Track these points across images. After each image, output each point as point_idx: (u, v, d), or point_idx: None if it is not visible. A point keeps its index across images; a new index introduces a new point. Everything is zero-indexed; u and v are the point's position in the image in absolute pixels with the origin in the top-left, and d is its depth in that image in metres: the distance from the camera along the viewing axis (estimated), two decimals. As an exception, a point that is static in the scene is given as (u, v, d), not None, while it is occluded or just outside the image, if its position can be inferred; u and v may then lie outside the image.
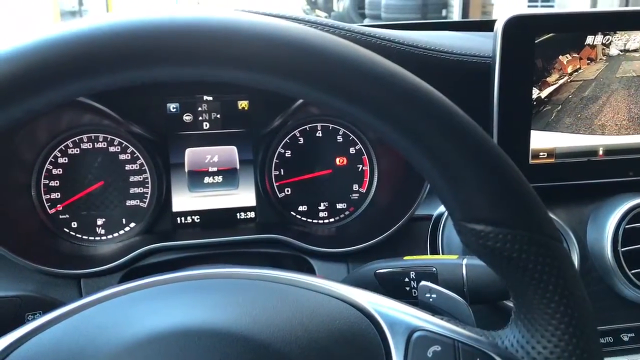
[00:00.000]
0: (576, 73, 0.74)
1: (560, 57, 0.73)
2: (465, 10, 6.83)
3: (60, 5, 7.45)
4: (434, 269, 0.55)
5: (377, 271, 0.57)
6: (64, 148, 0.80)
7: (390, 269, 0.57)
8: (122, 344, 0.38)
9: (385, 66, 0.35)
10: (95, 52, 0.31)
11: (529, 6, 6.04)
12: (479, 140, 0.36)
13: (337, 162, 0.86)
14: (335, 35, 0.36)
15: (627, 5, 4.14)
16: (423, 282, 0.50)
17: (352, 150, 0.86)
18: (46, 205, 0.80)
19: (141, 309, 0.40)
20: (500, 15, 0.72)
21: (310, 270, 0.79)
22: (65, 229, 0.80)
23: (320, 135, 0.86)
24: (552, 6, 5.66)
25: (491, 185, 0.37)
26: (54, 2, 7.06)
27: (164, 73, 0.32)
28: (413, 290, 0.55)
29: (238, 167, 0.83)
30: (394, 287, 0.56)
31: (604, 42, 0.74)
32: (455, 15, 6.86)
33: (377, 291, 0.58)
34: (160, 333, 0.38)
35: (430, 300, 0.49)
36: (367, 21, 7.80)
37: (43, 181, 0.79)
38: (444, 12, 7.32)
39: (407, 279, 0.56)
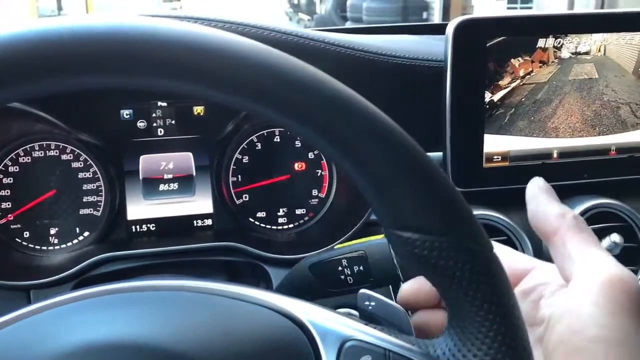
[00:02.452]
0: (528, 76, 0.74)
1: (512, 60, 0.74)
2: (445, 13, 6.88)
3: (39, 10, 7.39)
4: (363, 252, 0.55)
5: (311, 265, 0.57)
6: (14, 157, 0.78)
7: (322, 260, 0.57)
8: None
9: (306, 70, 0.35)
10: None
11: (508, 7, 6.10)
12: (405, 147, 0.36)
13: (296, 167, 0.86)
14: (267, 37, 0.35)
15: (602, 5, 4.19)
16: (362, 290, 0.49)
17: (310, 155, 0.86)
18: (-4, 215, 0.78)
19: (59, 325, 0.39)
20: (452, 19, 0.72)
21: (267, 278, 0.78)
22: (17, 239, 0.79)
23: (278, 140, 0.85)
24: (530, 7, 5.72)
25: (417, 191, 0.36)
26: (32, 6, 7.00)
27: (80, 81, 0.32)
28: (348, 278, 0.55)
29: (194, 173, 0.82)
30: (328, 278, 0.56)
31: (555, 45, 0.74)
32: (436, 18, 6.91)
33: (316, 285, 0.58)
34: (77, 349, 0.37)
35: (370, 308, 0.49)
36: (348, 24, 7.84)
37: (-7, 190, 0.78)
38: (424, 15, 7.37)
39: (340, 268, 0.56)
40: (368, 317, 0.49)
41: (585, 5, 4.17)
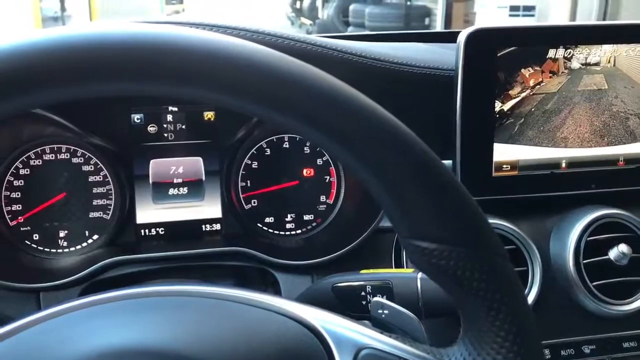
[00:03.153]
0: (538, 86, 0.75)
1: (523, 70, 0.74)
2: (447, 20, 6.90)
3: (43, 11, 7.40)
4: (390, 283, 0.55)
5: (335, 285, 0.57)
6: (25, 159, 0.79)
7: (347, 283, 0.57)
8: None
9: (326, 80, 0.35)
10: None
11: (510, 15, 6.11)
12: (423, 157, 0.36)
13: (304, 174, 0.86)
14: (286, 46, 0.35)
15: (604, 16, 4.20)
16: (375, 298, 0.50)
17: (319, 161, 0.86)
18: (7, 217, 0.78)
19: (77, 329, 0.40)
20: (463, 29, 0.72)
21: (275, 283, 0.78)
22: (26, 241, 0.79)
23: (287, 146, 0.86)
24: (533, 15, 5.73)
25: (435, 201, 0.36)
26: (36, 8, 7.01)
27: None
28: (369, 305, 0.55)
29: (204, 178, 0.83)
30: (350, 301, 0.56)
31: (565, 55, 0.74)
32: (438, 24, 6.93)
33: (336, 305, 0.58)
34: (96, 354, 0.37)
35: (383, 316, 0.49)
36: (350, 29, 7.86)
37: (4, 192, 0.78)
38: (426, 21, 7.39)
39: (363, 293, 0.56)
40: (381, 326, 0.49)
41: (588, 15, 4.17)
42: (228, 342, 0.40)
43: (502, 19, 6.01)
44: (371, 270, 0.58)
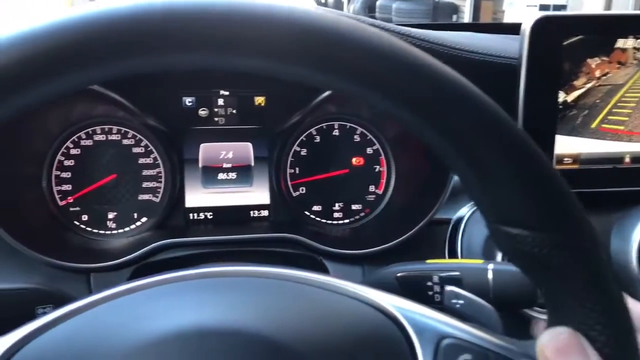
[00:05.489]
0: (605, 77, 0.72)
1: (589, 60, 0.71)
2: (475, 16, 6.84)
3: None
4: (458, 274, 0.53)
5: (399, 274, 0.56)
6: (76, 139, 0.78)
7: (413, 272, 0.55)
8: (136, 342, 0.37)
9: (424, 59, 0.33)
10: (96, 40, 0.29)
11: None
12: (519, 140, 0.34)
13: (354, 162, 0.85)
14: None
15: None
16: (450, 287, 0.48)
17: (369, 150, 0.85)
18: (57, 197, 0.78)
19: (155, 306, 0.39)
20: (529, 16, 0.70)
21: (325, 272, 0.77)
22: (75, 222, 0.79)
23: (337, 134, 0.84)
24: (564, 14, 5.65)
25: (529, 186, 0.35)
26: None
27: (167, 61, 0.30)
28: (436, 295, 0.53)
29: (253, 164, 0.82)
30: (415, 291, 0.54)
31: (636, 46, 0.72)
32: (466, 21, 6.87)
33: (399, 295, 0.56)
34: (175, 332, 0.36)
35: (457, 306, 0.48)
36: (377, 24, 7.82)
37: (54, 172, 0.78)
38: (454, 17, 7.33)
39: (429, 283, 0.54)
40: (455, 315, 0.47)
41: (625, 7, 4.10)
42: (307, 326, 0.38)
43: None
44: (437, 260, 0.56)
